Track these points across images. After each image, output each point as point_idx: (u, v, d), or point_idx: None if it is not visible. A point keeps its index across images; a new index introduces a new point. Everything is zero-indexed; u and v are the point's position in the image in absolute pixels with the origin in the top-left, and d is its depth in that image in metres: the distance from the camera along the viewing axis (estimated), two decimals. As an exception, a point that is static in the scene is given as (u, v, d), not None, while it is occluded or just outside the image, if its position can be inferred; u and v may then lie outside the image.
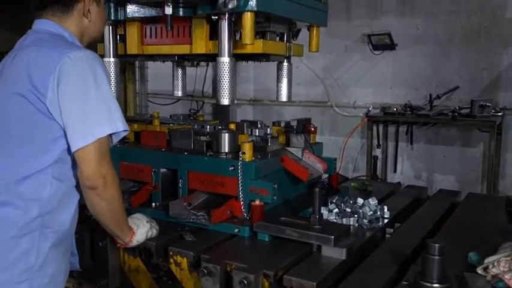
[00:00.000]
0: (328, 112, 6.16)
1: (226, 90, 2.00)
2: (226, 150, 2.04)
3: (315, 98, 6.15)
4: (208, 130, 2.37)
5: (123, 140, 2.36)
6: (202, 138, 2.21)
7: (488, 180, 4.81)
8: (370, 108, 5.57)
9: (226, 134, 2.05)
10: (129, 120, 2.53)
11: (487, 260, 1.45)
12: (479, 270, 1.45)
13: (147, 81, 5.06)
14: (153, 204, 2.12)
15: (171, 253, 1.74)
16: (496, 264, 1.41)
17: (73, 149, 1.46)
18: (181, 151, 2.14)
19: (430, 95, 5.17)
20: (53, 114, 1.45)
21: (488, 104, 4.70)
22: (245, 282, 1.51)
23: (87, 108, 1.46)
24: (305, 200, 2.19)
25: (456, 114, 4.79)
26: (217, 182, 2.00)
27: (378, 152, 5.72)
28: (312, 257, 1.71)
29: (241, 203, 1.93)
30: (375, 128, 5.56)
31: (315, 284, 1.48)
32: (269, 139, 2.22)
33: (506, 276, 1.34)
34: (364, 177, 4.70)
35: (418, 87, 5.51)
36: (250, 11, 1.87)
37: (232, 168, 1.95)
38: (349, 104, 6.01)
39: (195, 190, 2.06)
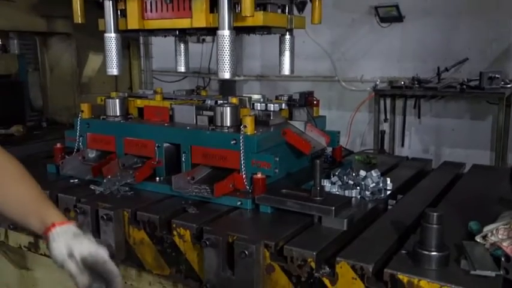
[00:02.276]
0: (335, 87, 6.13)
1: (227, 64, 1.99)
2: (228, 124, 2.05)
3: (322, 73, 6.10)
4: (210, 105, 2.38)
5: (127, 116, 2.38)
6: (205, 112, 2.22)
7: (497, 153, 4.78)
8: (378, 82, 5.53)
9: (228, 108, 2.05)
10: (131, 96, 2.56)
11: (486, 229, 1.46)
12: (478, 239, 1.46)
13: (151, 58, 5.07)
14: (157, 178, 2.15)
15: (174, 225, 1.76)
16: (494, 232, 1.42)
17: None
18: (183, 126, 2.16)
19: (438, 68, 5.11)
20: None
21: (497, 75, 4.64)
22: (246, 252, 1.53)
23: None
24: (308, 173, 2.20)
25: (464, 86, 4.74)
26: (219, 156, 2.01)
27: (385, 127, 5.70)
28: (313, 228, 1.73)
29: (244, 176, 1.95)
30: (382, 102, 5.54)
31: (314, 253, 1.50)
32: (271, 113, 2.22)
33: (504, 244, 1.35)
34: (371, 151, 4.69)
35: (426, 60, 5.44)
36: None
37: (234, 142, 1.96)
38: (357, 79, 5.96)
39: (198, 164, 2.08)
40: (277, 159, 1.93)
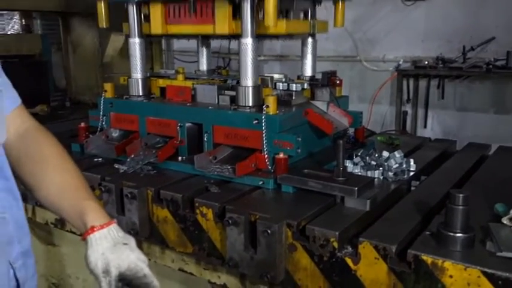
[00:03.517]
0: (357, 67, 6.04)
1: (250, 71, 2.01)
2: (250, 104, 2.04)
3: (344, 53, 6.02)
4: (232, 84, 2.37)
5: (149, 96, 2.40)
6: (227, 92, 2.21)
7: (523, 135, 4.67)
8: (401, 62, 5.43)
9: (250, 88, 2.04)
10: (153, 76, 2.57)
11: (513, 211, 1.43)
12: (505, 221, 1.44)
13: (172, 39, 5.07)
14: (179, 158, 2.17)
15: (197, 204, 1.78)
16: (522, 214, 1.39)
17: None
18: (206, 105, 2.16)
19: (464, 47, 4.99)
20: None
21: (525, 55, 4.50)
22: (268, 231, 1.54)
23: None
24: (330, 153, 2.18)
25: (491, 66, 4.62)
26: (241, 136, 2.01)
27: (407, 107, 5.61)
28: (335, 208, 1.73)
29: (266, 156, 1.95)
30: (405, 82, 5.44)
31: (337, 233, 1.50)
32: (294, 93, 2.20)
33: (532, 226, 1.32)
34: (393, 132, 4.63)
35: (451, 39, 5.30)
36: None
37: (256, 121, 1.96)
38: (379, 58, 5.86)
39: (220, 144, 2.08)
40: (300, 139, 1.92)
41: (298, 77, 2.48)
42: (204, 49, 2.72)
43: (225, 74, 2.66)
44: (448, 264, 1.31)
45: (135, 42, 2.32)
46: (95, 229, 1.26)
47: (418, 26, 5.51)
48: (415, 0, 5.43)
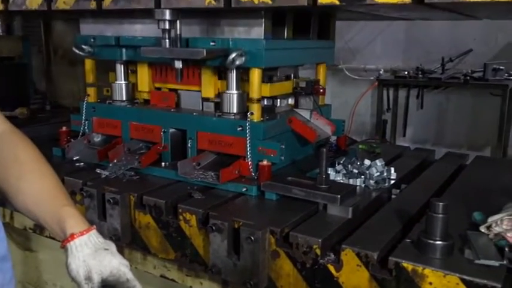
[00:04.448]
0: (338, 75, 6.10)
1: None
2: (235, 111, 2.05)
3: (325, 61, 6.07)
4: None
5: (133, 101, 2.39)
6: (211, 99, 2.22)
7: (499, 145, 4.79)
8: (381, 72, 5.50)
9: (235, 95, 2.05)
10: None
11: (491, 219, 1.47)
12: (483, 229, 1.47)
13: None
14: (163, 163, 2.16)
15: (180, 210, 1.78)
16: (499, 222, 1.43)
17: None
18: (190, 112, 2.16)
19: (443, 58, 5.09)
20: None
21: (501, 67, 4.62)
22: (252, 238, 1.55)
23: None
24: (313, 161, 2.21)
25: (468, 77, 4.72)
26: (225, 142, 2.02)
27: (387, 116, 5.69)
28: (318, 216, 1.74)
29: (249, 162, 1.96)
30: (385, 91, 5.51)
31: (320, 240, 1.52)
32: (277, 100, 2.22)
33: (509, 234, 1.36)
34: (374, 141, 4.69)
35: (430, 51, 5.41)
36: (258, 67, 1.93)
37: (240, 128, 1.97)
38: (360, 68, 5.93)
39: (204, 150, 2.09)
40: (283, 146, 1.94)
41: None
42: None
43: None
44: (428, 271, 1.34)
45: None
46: (75, 236, 1.24)
47: (399, 37, 5.61)
48: (396, 11, 5.54)
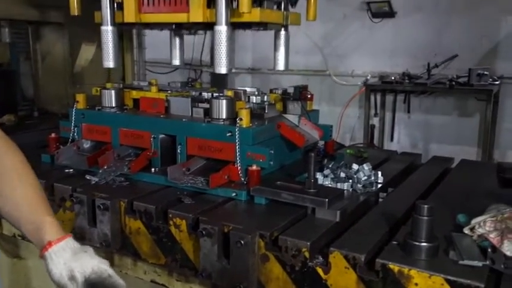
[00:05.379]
0: (326, 81, 6.17)
1: (223, 59, 2.02)
2: (224, 117, 2.07)
3: (313, 67, 6.14)
4: (206, 97, 2.40)
5: (122, 107, 2.40)
6: (201, 105, 2.24)
7: (484, 149, 4.87)
8: (368, 77, 5.59)
9: (224, 101, 2.08)
10: (126, 87, 2.57)
11: (474, 221, 1.51)
12: (466, 231, 1.51)
13: (144, 49, 5.05)
14: (153, 169, 2.17)
15: (170, 215, 1.79)
16: (482, 224, 1.47)
17: None
18: (179, 118, 2.18)
19: (428, 64, 5.18)
20: None
21: (485, 72, 4.72)
22: (242, 242, 1.57)
23: None
24: (301, 166, 2.24)
25: (453, 82, 4.81)
26: (215, 148, 2.04)
27: (375, 121, 5.76)
28: (307, 219, 1.77)
29: (239, 168, 1.98)
30: (372, 97, 5.59)
31: (308, 243, 1.54)
32: (266, 106, 2.25)
33: (491, 236, 1.40)
34: (361, 145, 4.75)
35: (416, 56, 5.51)
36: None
37: (229, 134, 1.99)
38: (347, 73, 6.01)
39: (194, 156, 2.10)
40: (272, 151, 1.96)
41: (271, 91, 2.54)
42: (177, 40, 2.66)
43: (198, 87, 2.69)
44: (413, 272, 1.37)
45: (108, 30, 2.25)
46: (53, 243, 1.28)
47: (386, 42, 5.70)
48: (382, 18, 5.62)
